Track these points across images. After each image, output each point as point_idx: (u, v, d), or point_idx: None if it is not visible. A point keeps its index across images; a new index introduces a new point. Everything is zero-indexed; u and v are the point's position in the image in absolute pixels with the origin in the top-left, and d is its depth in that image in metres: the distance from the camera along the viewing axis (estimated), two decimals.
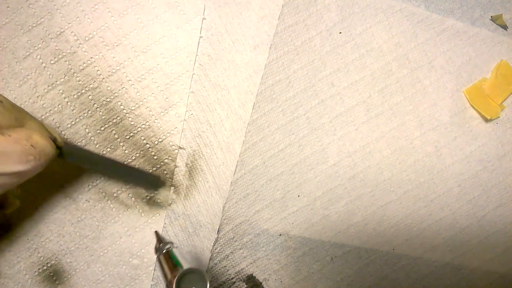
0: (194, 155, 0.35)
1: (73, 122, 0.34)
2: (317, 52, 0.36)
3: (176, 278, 0.22)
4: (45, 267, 0.34)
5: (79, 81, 0.34)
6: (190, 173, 0.35)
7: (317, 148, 0.36)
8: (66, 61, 0.34)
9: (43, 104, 0.34)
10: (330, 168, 0.36)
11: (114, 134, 0.34)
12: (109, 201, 0.34)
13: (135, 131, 0.34)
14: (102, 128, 0.34)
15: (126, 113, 0.34)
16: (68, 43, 0.34)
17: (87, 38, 0.34)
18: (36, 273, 0.33)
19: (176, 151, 0.35)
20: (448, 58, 0.38)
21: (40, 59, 0.34)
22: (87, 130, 0.34)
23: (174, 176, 0.35)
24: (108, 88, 0.34)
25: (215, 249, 0.35)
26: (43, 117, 0.34)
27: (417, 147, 0.37)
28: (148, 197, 0.34)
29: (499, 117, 0.38)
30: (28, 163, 0.24)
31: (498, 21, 0.38)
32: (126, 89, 0.34)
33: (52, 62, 0.34)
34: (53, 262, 0.34)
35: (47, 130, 0.27)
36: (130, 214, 0.34)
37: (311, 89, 0.36)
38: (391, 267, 0.37)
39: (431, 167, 0.37)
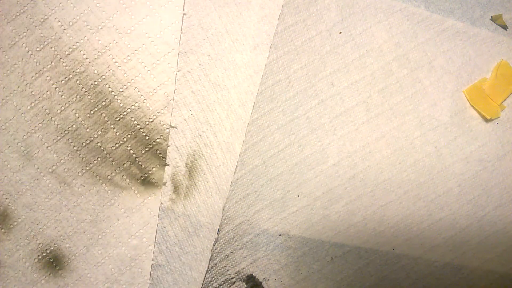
0: (194, 155, 0.35)
1: (62, 108, 0.34)
2: (317, 52, 0.36)
3: None
4: (44, 254, 0.34)
5: (66, 66, 0.34)
6: (190, 173, 0.35)
7: (317, 148, 0.36)
8: (51, 47, 0.34)
9: (31, 92, 0.34)
10: (330, 168, 0.36)
11: (104, 117, 0.34)
12: (103, 184, 0.34)
13: (125, 113, 0.34)
14: (92, 112, 0.34)
15: (115, 95, 0.34)
16: (53, 29, 0.34)
17: (71, 23, 0.34)
18: (36, 260, 0.34)
19: (168, 130, 0.35)
20: (448, 58, 0.38)
21: (26, 47, 0.34)
22: (77, 114, 0.34)
23: (174, 176, 0.35)
24: (95, 72, 0.34)
25: (215, 249, 0.35)
26: (32, 104, 0.34)
27: (417, 147, 0.37)
28: (142, 178, 0.34)
29: (499, 117, 0.38)
30: None
31: (498, 21, 0.38)
32: (113, 71, 0.34)
33: (38, 49, 0.34)
34: (52, 248, 0.34)
35: None
36: (125, 196, 0.34)
37: (311, 89, 0.36)
38: (391, 267, 0.37)
39: (431, 167, 0.37)
